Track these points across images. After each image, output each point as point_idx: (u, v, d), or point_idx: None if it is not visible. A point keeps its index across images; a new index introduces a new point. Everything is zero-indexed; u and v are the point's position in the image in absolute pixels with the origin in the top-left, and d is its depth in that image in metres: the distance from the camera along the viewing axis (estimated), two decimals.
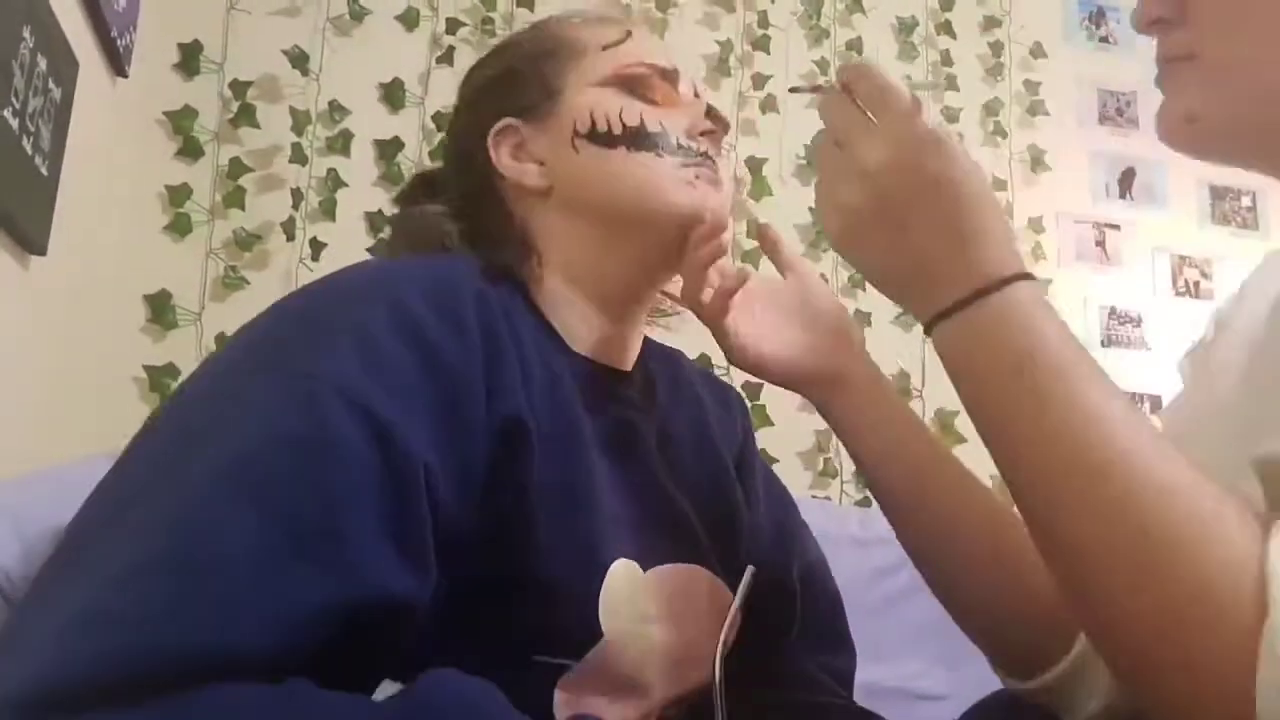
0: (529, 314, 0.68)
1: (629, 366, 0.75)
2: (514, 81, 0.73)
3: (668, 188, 0.68)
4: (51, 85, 1.07)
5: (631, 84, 0.71)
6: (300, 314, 0.57)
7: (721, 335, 0.71)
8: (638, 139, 0.69)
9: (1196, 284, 2.18)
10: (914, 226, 0.52)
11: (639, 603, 0.64)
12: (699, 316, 0.71)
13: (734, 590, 0.69)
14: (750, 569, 0.70)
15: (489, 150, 0.72)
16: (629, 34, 0.73)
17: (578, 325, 0.70)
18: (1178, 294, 2.17)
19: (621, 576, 0.63)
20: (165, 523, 0.45)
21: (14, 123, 0.96)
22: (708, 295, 0.70)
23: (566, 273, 0.71)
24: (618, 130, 0.69)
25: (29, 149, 1.01)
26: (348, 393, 0.50)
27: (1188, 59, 0.54)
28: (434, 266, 0.62)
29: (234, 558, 0.44)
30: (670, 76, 0.72)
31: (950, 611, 0.68)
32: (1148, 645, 0.44)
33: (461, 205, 0.73)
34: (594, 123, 0.69)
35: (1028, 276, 0.51)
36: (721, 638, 0.68)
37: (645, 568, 0.65)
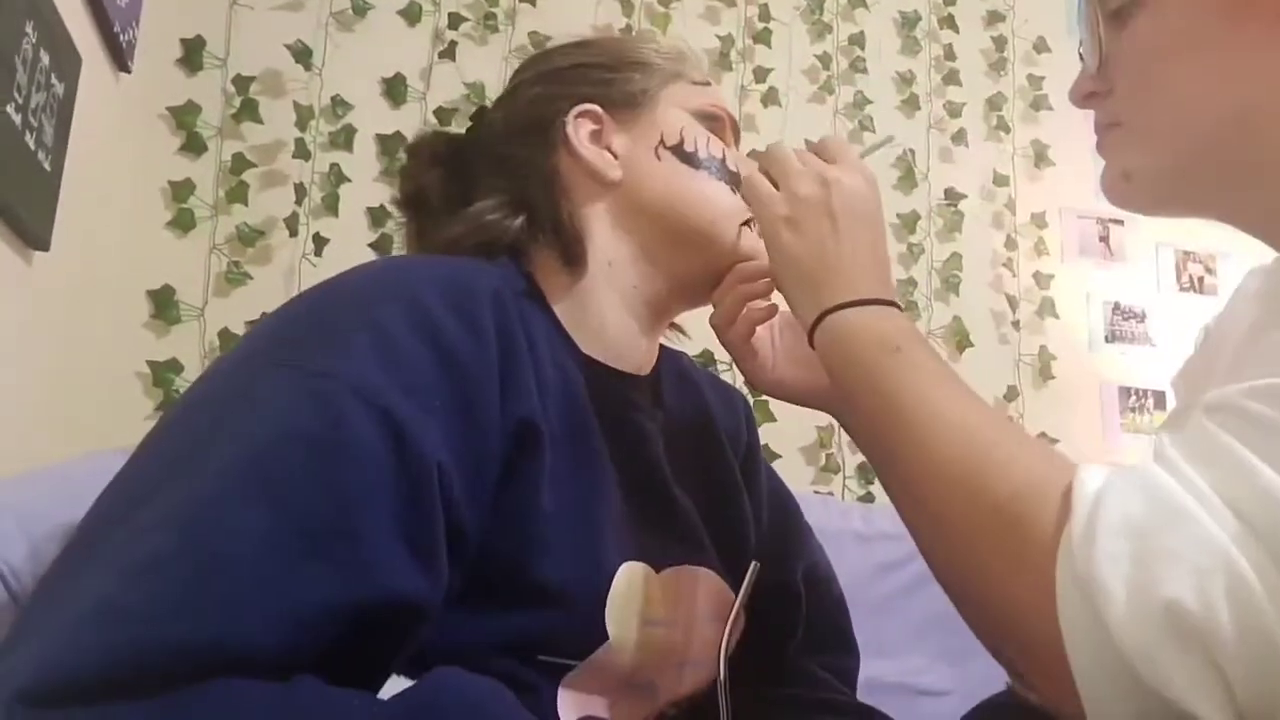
0: (542, 316, 0.68)
1: (646, 372, 0.75)
2: (606, 73, 0.75)
3: (732, 222, 0.72)
4: (54, 81, 1.06)
5: (710, 122, 0.75)
6: (315, 312, 0.57)
7: (742, 358, 0.74)
8: (718, 170, 0.73)
9: (1200, 279, 2.18)
10: (843, 231, 0.62)
11: (644, 605, 0.64)
12: (721, 339, 0.75)
13: (738, 591, 0.70)
14: (755, 564, 0.70)
15: (565, 127, 0.72)
16: (709, 81, 0.80)
17: (597, 328, 0.70)
18: (1182, 289, 2.16)
19: (627, 579, 0.63)
20: (178, 519, 0.45)
21: (17, 118, 0.96)
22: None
23: (605, 272, 0.71)
24: (703, 155, 0.73)
25: (32, 145, 1.01)
26: (364, 392, 0.50)
27: (1117, 125, 0.61)
28: (450, 266, 0.62)
29: (246, 555, 0.44)
30: (735, 129, 0.78)
31: (960, 610, 0.68)
32: (977, 546, 0.48)
33: (509, 182, 0.73)
34: (683, 140, 0.73)
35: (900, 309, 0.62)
36: (725, 636, 0.68)
37: (651, 570, 0.65)
